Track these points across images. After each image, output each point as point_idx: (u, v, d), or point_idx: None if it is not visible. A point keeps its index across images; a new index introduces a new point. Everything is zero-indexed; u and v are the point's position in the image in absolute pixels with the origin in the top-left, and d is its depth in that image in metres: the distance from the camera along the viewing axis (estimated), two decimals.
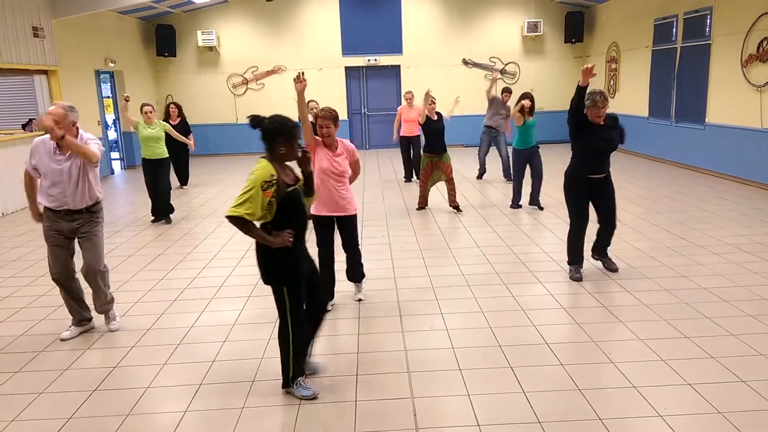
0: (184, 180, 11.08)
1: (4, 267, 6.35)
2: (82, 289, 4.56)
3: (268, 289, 5.35)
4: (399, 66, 15.71)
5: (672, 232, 6.87)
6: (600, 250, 5.58)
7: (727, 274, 5.39)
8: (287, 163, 3.41)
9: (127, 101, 8.41)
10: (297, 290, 3.37)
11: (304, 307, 3.46)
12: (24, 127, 10.25)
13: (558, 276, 5.51)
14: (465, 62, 15.68)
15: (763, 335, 4.14)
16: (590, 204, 5.31)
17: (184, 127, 10.66)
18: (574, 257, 5.38)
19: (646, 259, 5.88)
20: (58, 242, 4.35)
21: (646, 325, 4.37)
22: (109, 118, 14.12)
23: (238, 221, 3.17)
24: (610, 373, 3.71)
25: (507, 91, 10.72)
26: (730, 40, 9.94)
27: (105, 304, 4.61)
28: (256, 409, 3.41)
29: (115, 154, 14.02)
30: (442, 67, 15.64)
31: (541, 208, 8.17)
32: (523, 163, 8.27)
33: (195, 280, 5.77)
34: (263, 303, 5.09)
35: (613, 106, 14.32)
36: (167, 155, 8.28)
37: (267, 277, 3.36)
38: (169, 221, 8.26)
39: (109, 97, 13.74)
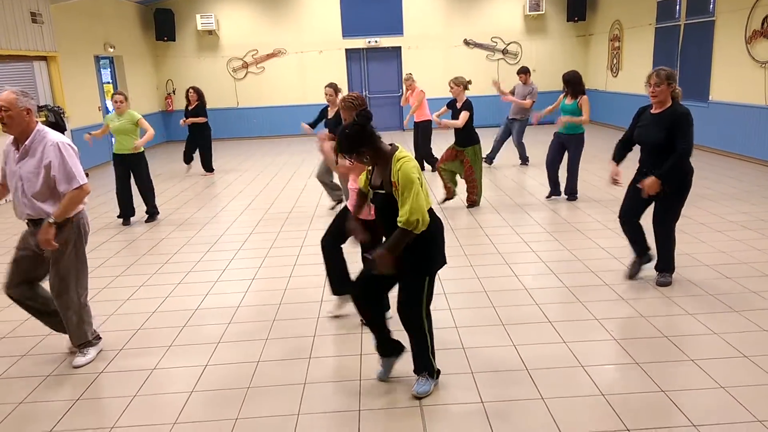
0: (208, 167, 10.75)
1: (8, 253, 6.37)
2: (49, 299, 3.84)
3: (272, 270, 5.45)
4: (400, 47, 15.59)
5: None
6: (658, 263, 4.79)
7: (730, 251, 5.39)
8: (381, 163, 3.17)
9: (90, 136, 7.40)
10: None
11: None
12: None
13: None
14: (466, 43, 15.56)
15: (765, 311, 4.15)
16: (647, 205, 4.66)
17: (200, 112, 10.51)
18: (633, 248, 4.83)
19: (648, 237, 5.86)
20: (26, 252, 3.73)
21: (648, 302, 4.38)
22: (110, 104, 14.07)
23: None
24: (611, 349, 3.73)
25: (523, 71, 10.05)
26: (734, 17, 9.83)
27: (72, 337, 3.87)
28: (261, 389, 3.45)
29: None
30: (444, 48, 15.52)
31: (576, 198, 7.53)
32: (553, 147, 7.49)
33: (198, 263, 5.79)
34: (268, 285, 5.12)
35: (616, 85, 14.25)
36: (142, 149, 7.27)
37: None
38: (154, 219, 7.50)
39: (109, 82, 13.70)
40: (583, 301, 4.48)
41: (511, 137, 10.20)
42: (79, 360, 3.83)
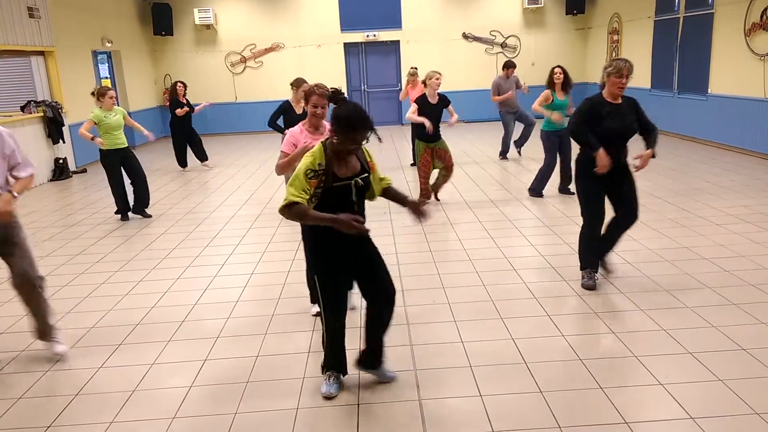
0: (205, 156, 10.77)
1: None
2: None
3: (271, 264, 5.45)
4: (398, 41, 15.55)
5: (674, 203, 6.85)
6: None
7: (729, 245, 5.39)
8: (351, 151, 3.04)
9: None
10: (329, 281, 3.15)
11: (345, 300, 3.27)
12: (23, 109, 10.21)
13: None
14: (465, 36, 15.52)
15: (764, 304, 4.15)
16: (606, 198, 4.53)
17: (189, 106, 10.52)
18: (587, 260, 4.62)
19: (647, 231, 5.88)
20: None
21: (646, 296, 4.38)
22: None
23: (289, 208, 2.91)
24: (610, 342, 3.73)
25: (509, 66, 9.99)
26: (733, 9, 9.81)
27: (49, 326, 3.85)
28: (261, 383, 3.45)
29: None
30: (442, 42, 15.48)
31: (572, 194, 7.29)
32: (551, 146, 7.33)
33: (197, 258, 5.79)
34: (267, 279, 5.12)
35: None
36: (126, 144, 7.23)
37: (307, 262, 3.29)
38: (148, 215, 7.41)
39: (107, 77, 13.66)
40: (581, 294, 4.48)
41: (520, 123, 10.16)
42: (62, 347, 3.86)
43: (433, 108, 7.12)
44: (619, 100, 4.42)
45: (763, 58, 9.14)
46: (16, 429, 3.14)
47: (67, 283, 5.21)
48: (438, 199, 7.52)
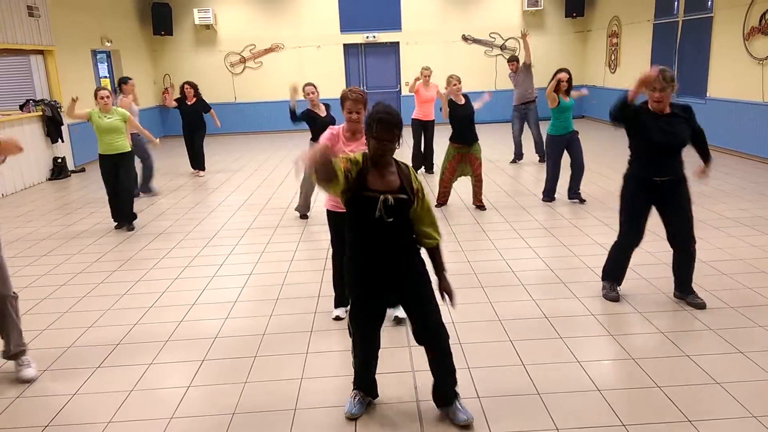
0: (200, 165, 10.37)
1: (7, 247, 6.36)
2: None
3: (269, 265, 5.45)
4: (398, 43, 15.56)
5: None
6: (682, 286, 4.34)
7: (727, 248, 5.40)
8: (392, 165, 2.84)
9: (74, 101, 6.81)
10: (357, 310, 3.00)
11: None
12: (21, 107, 10.19)
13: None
14: (464, 38, 15.53)
15: (761, 307, 4.17)
16: (649, 217, 4.28)
17: (201, 107, 10.28)
18: (611, 273, 4.46)
19: (645, 234, 5.87)
20: None
21: (644, 299, 4.40)
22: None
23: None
24: (606, 345, 3.74)
25: (513, 60, 10.15)
26: (732, 13, 9.84)
27: (19, 344, 3.65)
28: (258, 384, 3.45)
29: None
30: (442, 44, 15.49)
31: (583, 201, 7.21)
32: (559, 151, 7.15)
33: (196, 258, 5.79)
34: (265, 280, 5.12)
35: (614, 81, 14.24)
36: (129, 149, 6.88)
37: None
38: (131, 228, 6.82)
39: (106, 77, 13.65)
40: (580, 297, 4.49)
41: (528, 128, 9.97)
42: (31, 372, 3.61)
43: (463, 108, 6.94)
44: (664, 111, 4.14)
45: (761, 62, 9.17)
46: (13, 428, 3.14)
47: (65, 283, 5.21)
48: (483, 207, 7.12)
